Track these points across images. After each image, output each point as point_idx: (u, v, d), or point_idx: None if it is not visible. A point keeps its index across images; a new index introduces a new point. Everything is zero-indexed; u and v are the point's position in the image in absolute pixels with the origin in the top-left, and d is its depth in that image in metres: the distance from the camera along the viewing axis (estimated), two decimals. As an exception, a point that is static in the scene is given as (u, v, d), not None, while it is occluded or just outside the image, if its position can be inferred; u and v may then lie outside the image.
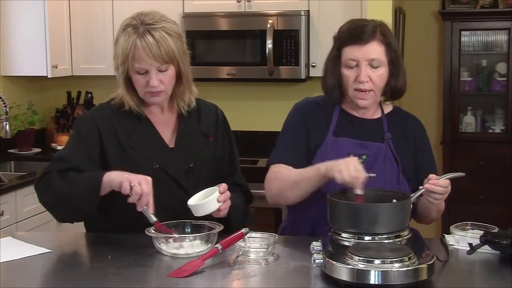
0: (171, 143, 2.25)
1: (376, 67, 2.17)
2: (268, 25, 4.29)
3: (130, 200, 1.99)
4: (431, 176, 2.09)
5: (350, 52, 2.17)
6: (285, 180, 2.20)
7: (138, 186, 1.98)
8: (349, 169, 1.99)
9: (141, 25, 2.12)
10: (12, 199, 3.60)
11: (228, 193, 2.10)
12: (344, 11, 4.27)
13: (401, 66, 2.24)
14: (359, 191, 1.99)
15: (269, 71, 4.32)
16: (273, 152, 2.31)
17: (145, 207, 2.00)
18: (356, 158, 2.06)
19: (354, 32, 2.19)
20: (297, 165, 2.21)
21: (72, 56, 4.71)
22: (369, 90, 2.18)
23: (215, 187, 2.09)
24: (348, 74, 2.19)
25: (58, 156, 2.21)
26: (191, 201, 2.07)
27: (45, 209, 2.22)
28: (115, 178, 2.03)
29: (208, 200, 2.05)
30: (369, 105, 2.24)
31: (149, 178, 2.02)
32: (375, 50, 2.16)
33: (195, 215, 2.06)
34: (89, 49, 4.70)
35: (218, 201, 2.06)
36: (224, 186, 2.10)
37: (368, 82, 2.17)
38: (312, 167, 2.14)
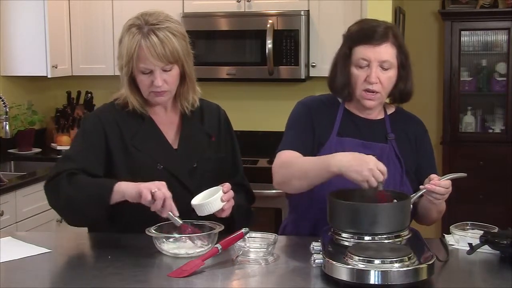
0: (175, 143, 2.25)
1: (386, 69, 2.16)
2: (268, 25, 4.29)
3: (154, 208, 1.99)
4: (432, 176, 2.09)
5: (362, 52, 2.16)
6: (294, 169, 2.15)
7: (160, 191, 1.98)
8: (376, 175, 1.94)
9: (145, 25, 2.12)
10: (12, 199, 3.60)
11: (231, 193, 2.10)
12: (344, 11, 4.27)
13: (410, 69, 2.23)
14: (381, 187, 1.97)
15: (269, 71, 4.32)
16: (281, 141, 2.27)
17: (170, 212, 2.00)
18: (374, 158, 1.99)
19: (367, 32, 2.17)
20: (305, 154, 2.18)
21: (72, 56, 4.71)
22: (377, 92, 2.18)
23: (219, 187, 2.09)
24: (358, 73, 2.18)
25: (65, 155, 2.21)
26: (195, 201, 2.07)
27: (45, 210, 2.23)
28: (129, 190, 2.02)
29: (212, 200, 2.04)
30: (375, 106, 2.24)
31: (164, 183, 2.02)
32: (387, 51, 2.15)
33: (198, 214, 2.06)
34: (89, 49, 4.70)
35: (222, 200, 2.06)
36: (227, 185, 2.10)
37: (377, 84, 2.16)
38: (322, 161, 2.07)
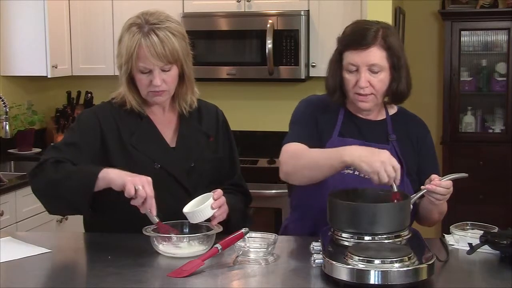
0: (172, 142, 2.25)
1: (376, 72, 2.16)
2: (268, 25, 4.29)
3: (134, 203, 1.99)
4: (433, 176, 2.09)
5: (351, 57, 2.16)
6: (305, 160, 2.12)
7: (143, 190, 1.98)
8: (388, 170, 1.92)
9: (146, 25, 2.12)
10: (12, 199, 3.61)
11: (222, 200, 2.10)
12: (344, 11, 4.27)
13: (404, 69, 2.21)
14: (395, 188, 1.95)
15: (269, 71, 4.32)
16: (287, 135, 2.25)
17: (149, 210, 2.01)
18: (388, 153, 1.96)
19: (355, 37, 2.17)
20: (312, 147, 2.16)
21: (72, 56, 4.71)
22: (369, 94, 2.17)
23: (210, 193, 2.09)
24: (349, 78, 2.18)
25: (54, 146, 2.21)
26: (186, 209, 2.07)
27: (43, 210, 2.21)
28: (115, 179, 2.02)
29: (202, 208, 2.04)
30: (370, 108, 2.23)
31: (150, 179, 2.01)
32: (375, 55, 2.14)
33: (190, 222, 2.06)
34: (89, 49, 4.70)
35: (212, 208, 2.06)
36: (218, 192, 2.09)
37: (368, 87, 2.16)
38: (335, 151, 2.05)
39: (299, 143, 2.17)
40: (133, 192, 1.97)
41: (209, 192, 2.10)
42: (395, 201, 1.94)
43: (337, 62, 2.22)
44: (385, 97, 2.26)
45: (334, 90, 2.24)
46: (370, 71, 2.15)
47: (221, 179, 2.26)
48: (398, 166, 1.95)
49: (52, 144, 2.24)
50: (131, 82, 2.19)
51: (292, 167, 2.15)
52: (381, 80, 2.17)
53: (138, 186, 1.97)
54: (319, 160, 2.08)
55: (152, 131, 2.23)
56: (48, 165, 2.10)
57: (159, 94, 2.17)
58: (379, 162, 1.93)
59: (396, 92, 2.22)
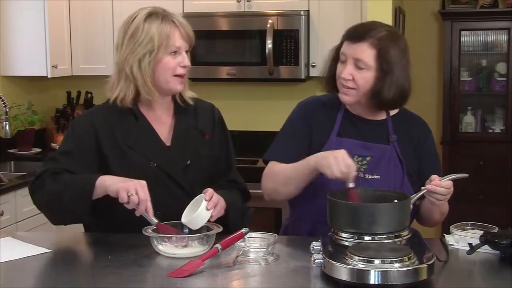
0: (168, 141, 2.25)
1: (362, 68, 2.15)
2: (268, 25, 4.29)
3: (128, 206, 2.01)
4: (434, 176, 2.08)
5: (344, 48, 2.19)
6: (279, 176, 2.21)
7: (135, 196, 1.98)
8: (339, 165, 2.00)
9: (162, 12, 2.19)
10: (12, 199, 3.61)
11: (216, 198, 2.10)
12: (344, 11, 4.27)
13: (393, 77, 2.13)
14: (350, 184, 2.02)
15: (269, 71, 4.32)
16: (270, 148, 2.31)
17: (145, 212, 2.01)
18: (344, 151, 2.05)
19: (353, 29, 2.20)
20: (292, 162, 2.21)
21: (72, 56, 4.71)
22: (351, 88, 2.18)
23: (202, 195, 2.09)
24: (338, 67, 2.21)
25: (51, 157, 2.22)
26: (184, 218, 2.08)
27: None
28: (110, 185, 2.04)
29: (198, 213, 2.05)
30: (351, 102, 2.22)
31: (144, 183, 2.02)
32: (363, 51, 2.14)
33: (192, 229, 2.06)
34: (89, 49, 4.70)
35: (207, 209, 2.06)
36: (209, 192, 2.09)
37: (351, 81, 2.16)
38: (303, 160, 2.15)
39: (275, 162, 2.25)
40: (125, 199, 1.99)
41: (201, 192, 2.10)
42: (351, 197, 2.00)
43: (336, 50, 2.25)
44: (371, 98, 2.20)
45: (327, 80, 2.27)
46: (356, 66, 2.16)
47: (217, 177, 2.26)
48: (351, 163, 2.02)
49: (48, 156, 2.26)
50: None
51: (270, 188, 2.25)
52: (364, 77, 2.16)
53: (131, 192, 1.98)
54: (290, 173, 2.18)
55: (147, 131, 2.23)
56: (46, 177, 2.13)
57: (183, 80, 2.21)
58: (333, 158, 2.02)
59: (379, 97, 2.16)
